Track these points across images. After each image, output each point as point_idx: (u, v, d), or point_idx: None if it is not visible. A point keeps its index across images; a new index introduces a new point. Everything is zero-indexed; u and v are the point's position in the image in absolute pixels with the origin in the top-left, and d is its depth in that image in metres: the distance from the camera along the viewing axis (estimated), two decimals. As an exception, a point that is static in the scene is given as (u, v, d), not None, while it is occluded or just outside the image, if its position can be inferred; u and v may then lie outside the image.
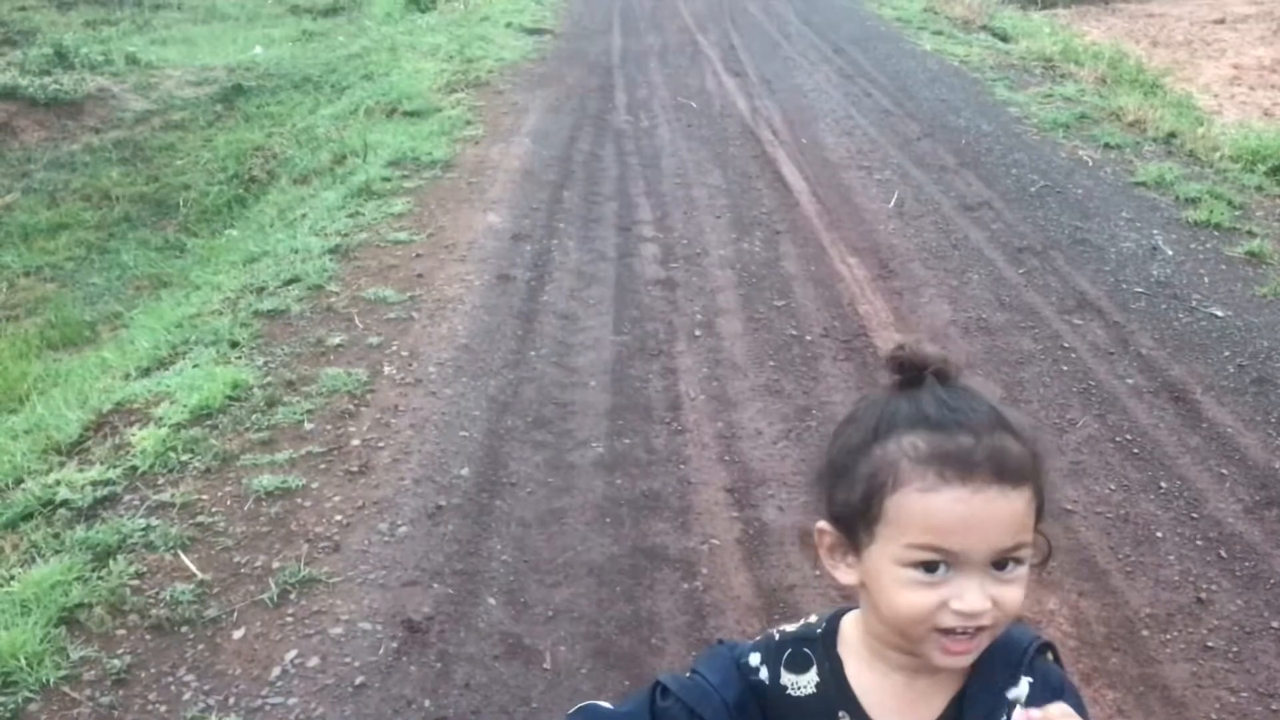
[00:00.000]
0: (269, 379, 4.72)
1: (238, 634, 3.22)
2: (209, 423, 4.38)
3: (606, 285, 5.86)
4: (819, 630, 1.16)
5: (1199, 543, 3.66)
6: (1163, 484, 3.96)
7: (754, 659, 1.16)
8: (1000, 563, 1.03)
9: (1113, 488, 3.95)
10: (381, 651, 3.12)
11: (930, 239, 6.42)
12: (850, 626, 1.16)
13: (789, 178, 7.62)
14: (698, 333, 5.31)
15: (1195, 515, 3.79)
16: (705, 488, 4.05)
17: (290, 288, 5.75)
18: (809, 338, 5.23)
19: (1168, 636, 3.25)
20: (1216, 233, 6.36)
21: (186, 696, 2.97)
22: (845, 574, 1.11)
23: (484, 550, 3.64)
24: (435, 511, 3.81)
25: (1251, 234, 6.29)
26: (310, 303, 5.53)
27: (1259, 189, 7.14)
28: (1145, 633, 3.27)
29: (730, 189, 7.44)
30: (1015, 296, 5.59)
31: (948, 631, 1.03)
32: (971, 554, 1.01)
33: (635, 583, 3.53)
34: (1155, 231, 6.40)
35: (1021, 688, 1.10)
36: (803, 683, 1.14)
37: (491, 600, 3.40)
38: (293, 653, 3.12)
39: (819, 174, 7.70)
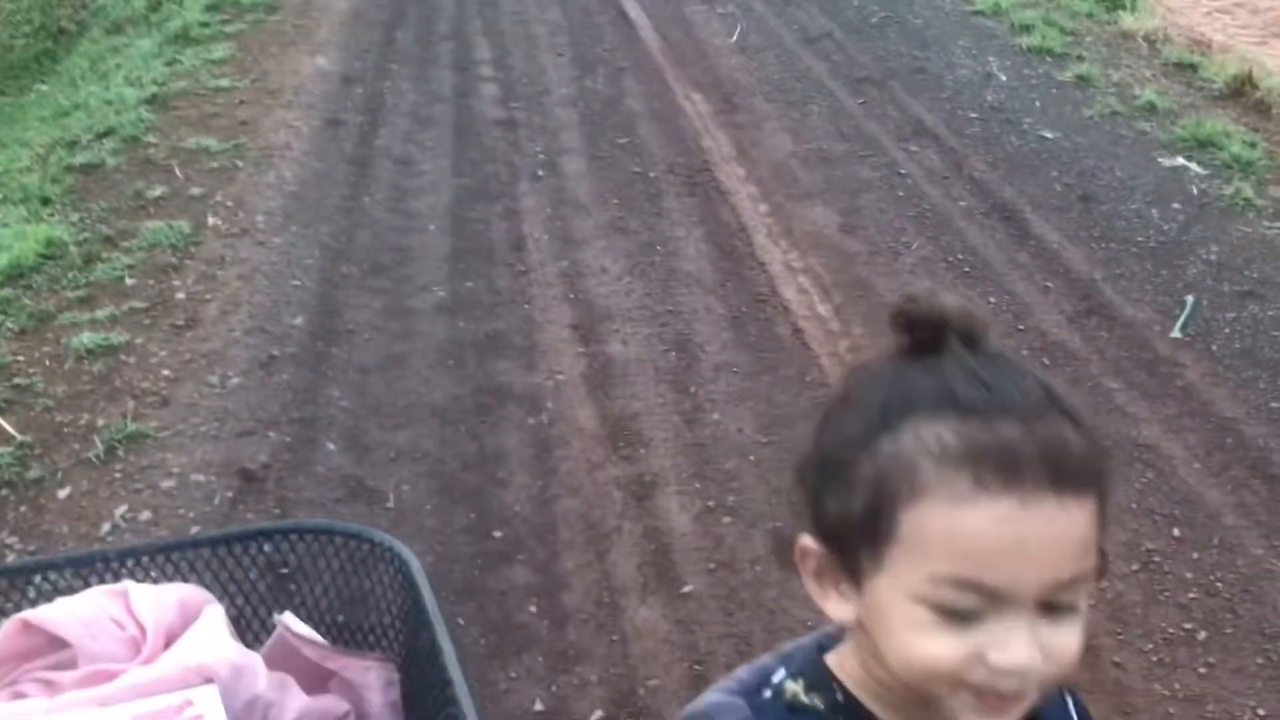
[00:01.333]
0: (85, 235, 4.46)
1: (63, 493, 3.09)
2: (22, 283, 4.13)
3: (444, 127, 5.67)
4: (838, 698, 0.84)
5: (1025, 352, 3.80)
6: (992, 299, 4.09)
7: None
8: (1053, 603, 0.75)
9: (945, 305, 4.06)
10: (217, 501, 3.05)
11: (772, 72, 6.37)
12: (848, 679, 0.84)
13: (631, 13, 7.42)
14: (540, 173, 5.20)
15: (1022, 327, 3.94)
16: (550, 326, 4.02)
17: (104, 141, 5.40)
18: (653, 174, 5.18)
19: (993, 441, 3.39)
20: (1049, 58, 6.47)
21: (9, 559, 2.85)
22: (838, 607, 0.82)
23: (321, 398, 3.56)
24: (268, 361, 3.69)
25: (1081, 59, 6.42)
26: (127, 155, 5.22)
27: (1089, 15, 7.26)
28: (972, 439, 3.40)
29: (571, 26, 7.22)
30: (855, 127, 5.62)
31: (981, 688, 0.76)
32: (1019, 590, 0.73)
33: (480, 421, 3.51)
34: (990, 58, 6.47)
35: (1072, 710, 0.92)
36: None
37: (331, 446, 3.34)
38: (123, 508, 3.02)
39: (661, 9, 7.52)
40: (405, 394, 3.62)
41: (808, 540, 0.82)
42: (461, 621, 2.71)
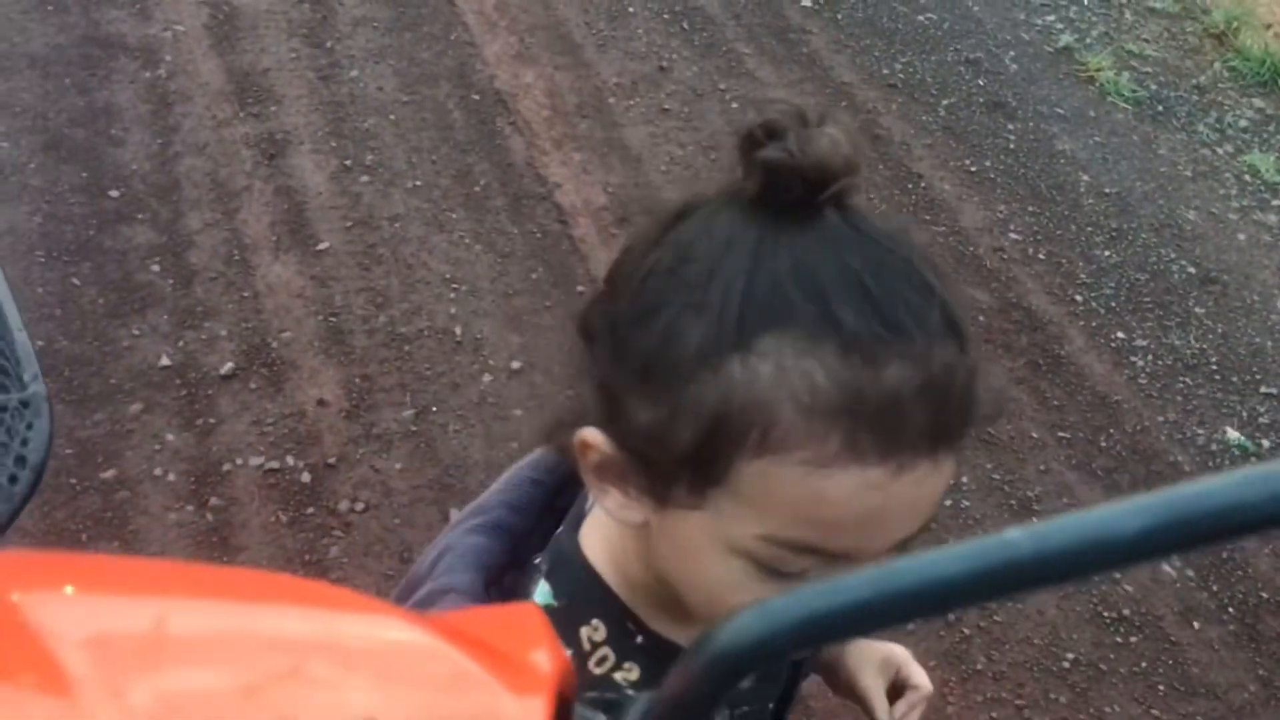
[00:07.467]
0: None
1: None
2: None
3: None
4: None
5: (666, 16, 3.85)
6: (637, -39, 4.07)
7: None
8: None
9: (591, -35, 4.01)
10: None
11: None
12: (605, 563, 0.72)
13: None
14: None
15: (664, -10, 3.97)
16: (167, -29, 3.65)
17: None
18: None
19: (631, 102, 3.48)
20: None
21: None
22: (625, 510, 0.65)
23: (-109, 45, 3.12)
24: None
25: None
26: None
27: None
28: (612, 100, 3.47)
29: None
30: None
31: None
32: (863, 554, 0.60)
33: (89, 74, 3.21)
34: None
35: None
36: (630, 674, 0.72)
37: (-93, 98, 2.97)
38: None
39: None
40: (-4, 43, 3.23)
41: (596, 438, 0.63)
42: (77, 282, 2.58)
